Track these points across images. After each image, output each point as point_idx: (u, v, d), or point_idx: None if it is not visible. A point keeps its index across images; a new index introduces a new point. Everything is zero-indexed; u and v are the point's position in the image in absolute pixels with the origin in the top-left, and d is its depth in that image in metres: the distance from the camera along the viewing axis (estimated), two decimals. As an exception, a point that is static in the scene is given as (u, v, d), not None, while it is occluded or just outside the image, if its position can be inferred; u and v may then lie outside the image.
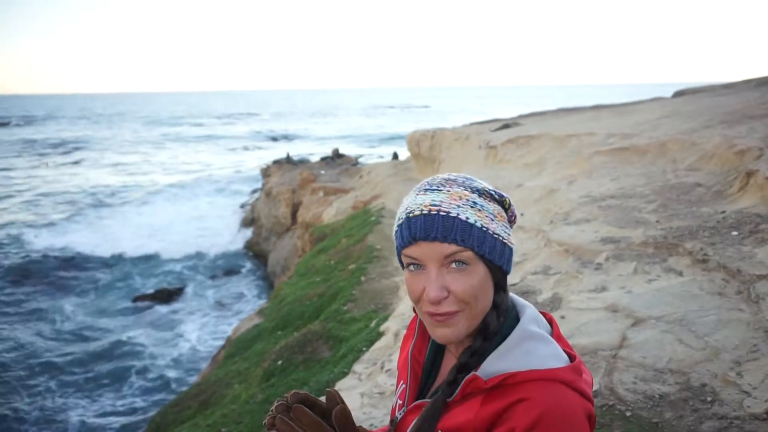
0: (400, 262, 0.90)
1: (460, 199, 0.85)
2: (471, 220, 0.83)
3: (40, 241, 19.96)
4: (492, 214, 0.86)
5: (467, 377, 0.83)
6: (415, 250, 0.84)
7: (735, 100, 11.33)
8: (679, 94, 19.04)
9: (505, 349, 0.84)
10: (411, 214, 0.85)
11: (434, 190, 0.87)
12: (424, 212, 0.83)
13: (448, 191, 0.86)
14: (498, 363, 0.82)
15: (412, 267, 0.86)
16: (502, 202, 0.90)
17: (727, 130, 7.32)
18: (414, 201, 0.87)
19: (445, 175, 0.91)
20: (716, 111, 9.51)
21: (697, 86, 21.03)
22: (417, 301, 0.86)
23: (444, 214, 0.83)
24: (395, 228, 0.89)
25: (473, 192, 0.87)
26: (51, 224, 22.78)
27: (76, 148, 50.86)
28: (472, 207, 0.85)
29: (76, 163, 42.89)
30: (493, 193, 0.89)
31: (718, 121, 8.17)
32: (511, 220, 0.93)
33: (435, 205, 0.84)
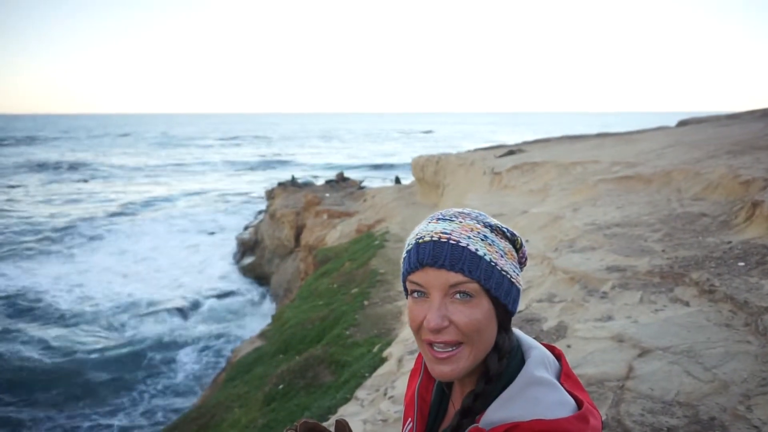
0: (405, 289, 0.89)
1: (472, 231, 0.85)
2: (480, 253, 0.83)
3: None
4: (502, 251, 0.86)
5: (470, 429, 0.81)
6: (421, 276, 0.83)
7: (739, 130, 11.39)
8: (682, 123, 19.17)
9: (509, 395, 0.81)
10: (421, 240, 0.85)
11: (447, 219, 0.87)
12: (434, 239, 0.83)
13: (461, 222, 0.86)
14: (502, 410, 0.80)
15: (415, 294, 0.85)
16: (513, 242, 0.89)
17: (732, 160, 7.34)
18: (425, 228, 0.87)
19: (459, 209, 0.91)
20: (721, 141, 9.55)
21: (700, 116, 21.18)
22: (417, 329, 0.85)
23: (454, 242, 0.82)
24: (404, 254, 0.89)
25: (485, 227, 0.87)
26: (22, 259, 20.81)
27: (73, 167, 51.05)
28: (482, 240, 0.84)
29: (83, 182, 43.20)
30: (505, 230, 0.89)
31: (723, 152, 8.20)
32: (521, 262, 0.92)
33: (446, 233, 0.83)
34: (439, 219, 0.88)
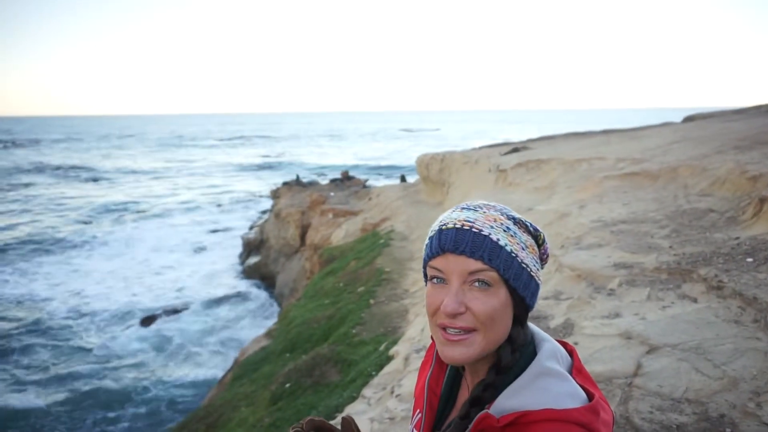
0: (425, 275, 0.90)
1: (495, 221, 0.86)
2: (501, 243, 0.83)
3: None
4: (524, 243, 0.86)
5: (480, 414, 0.81)
6: (441, 262, 0.84)
7: (746, 125, 11.30)
8: (689, 119, 19.05)
9: (519, 385, 0.82)
10: (444, 227, 0.86)
11: (471, 209, 0.88)
12: (457, 226, 0.85)
13: (484, 212, 0.87)
14: (512, 400, 0.80)
15: (435, 280, 0.86)
16: (536, 237, 0.90)
17: (739, 155, 7.29)
18: (449, 216, 0.88)
19: (485, 201, 0.92)
20: (727, 136, 9.48)
21: (707, 111, 21.03)
22: (433, 314, 0.86)
23: (476, 231, 0.83)
24: (426, 240, 0.90)
25: (509, 219, 0.87)
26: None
27: (76, 169, 51.07)
28: (505, 231, 0.85)
29: (88, 182, 43.41)
30: (528, 225, 0.89)
31: (730, 147, 8.14)
32: (543, 258, 0.92)
33: (469, 222, 0.85)
34: (464, 208, 0.89)
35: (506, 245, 0.83)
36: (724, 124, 12.99)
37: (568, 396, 0.79)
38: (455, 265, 0.83)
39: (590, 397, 0.82)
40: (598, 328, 3.60)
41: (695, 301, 3.77)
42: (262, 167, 53.53)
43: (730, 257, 4.26)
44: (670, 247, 4.80)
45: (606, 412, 0.82)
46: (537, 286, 0.88)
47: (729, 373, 2.84)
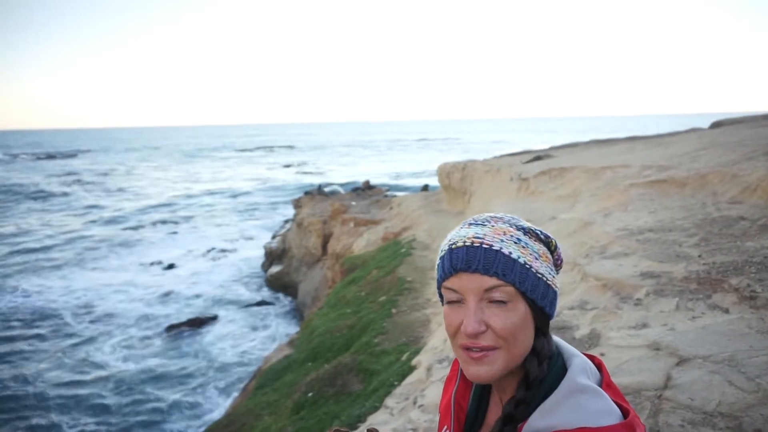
0: (440, 296, 0.88)
1: (505, 234, 0.84)
2: (514, 256, 0.82)
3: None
4: (536, 253, 0.85)
5: None
6: (456, 282, 0.83)
7: (777, 131, 11.00)
8: (716, 125, 18.65)
9: (553, 402, 0.80)
10: (454, 246, 0.84)
11: (479, 224, 0.87)
12: (467, 244, 0.83)
13: (493, 226, 0.85)
14: (546, 418, 0.78)
15: (451, 300, 0.85)
16: (548, 243, 0.89)
17: (770, 162, 7.09)
18: (458, 234, 0.86)
19: (492, 213, 0.91)
20: (758, 142, 9.24)
21: (735, 117, 20.55)
22: (453, 335, 0.84)
23: (486, 246, 0.82)
24: (438, 261, 0.89)
25: (518, 230, 0.86)
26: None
27: (101, 179, 52.17)
28: (515, 243, 0.84)
29: (113, 193, 44.42)
30: (538, 233, 0.88)
31: (761, 153, 7.93)
32: (557, 264, 0.91)
33: (478, 238, 0.83)
34: (471, 224, 0.87)
35: (519, 257, 0.82)
36: (753, 129, 12.66)
37: (604, 413, 0.77)
38: (470, 283, 0.81)
39: (624, 413, 0.80)
40: (625, 339, 3.52)
41: (726, 311, 3.66)
42: (284, 177, 54.09)
43: (763, 266, 4.13)
44: (700, 256, 4.68)
45: (640, 428, 0.80)
46: (555, 294, 0.87)
47: (764, 386, 2.74)
